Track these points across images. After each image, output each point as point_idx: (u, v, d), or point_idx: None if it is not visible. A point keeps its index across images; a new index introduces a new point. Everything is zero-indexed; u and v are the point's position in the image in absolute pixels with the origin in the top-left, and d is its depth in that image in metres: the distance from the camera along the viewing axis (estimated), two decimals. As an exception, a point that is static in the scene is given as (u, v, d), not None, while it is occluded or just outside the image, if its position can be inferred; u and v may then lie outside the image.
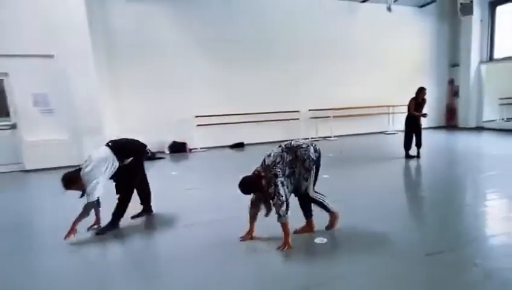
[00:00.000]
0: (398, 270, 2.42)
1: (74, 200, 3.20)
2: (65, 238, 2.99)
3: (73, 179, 2.96)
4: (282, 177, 2.66)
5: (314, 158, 2.80)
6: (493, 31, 10.53)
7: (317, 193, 2.96)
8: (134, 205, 3.55)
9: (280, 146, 2.86)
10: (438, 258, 2.53)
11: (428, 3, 10.49)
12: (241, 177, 2.74)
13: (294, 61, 9.28)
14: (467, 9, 10.12)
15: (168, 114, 8.20)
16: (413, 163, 6.14)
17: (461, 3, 10.15)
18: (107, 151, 3.11)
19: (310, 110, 9.39)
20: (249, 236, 2.94)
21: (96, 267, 2.79)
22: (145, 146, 3.52)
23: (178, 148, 8.14)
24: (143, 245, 3.12)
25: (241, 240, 2.92)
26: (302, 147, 2.79)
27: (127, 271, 2.69)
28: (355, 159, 6.74)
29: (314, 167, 2.81)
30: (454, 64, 11.30)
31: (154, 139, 7.95)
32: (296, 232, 2.96)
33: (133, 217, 3.52)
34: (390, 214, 3.56)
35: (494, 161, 6.14)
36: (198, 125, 8.27)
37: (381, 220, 3.36)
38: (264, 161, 2.79)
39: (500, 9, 10.39)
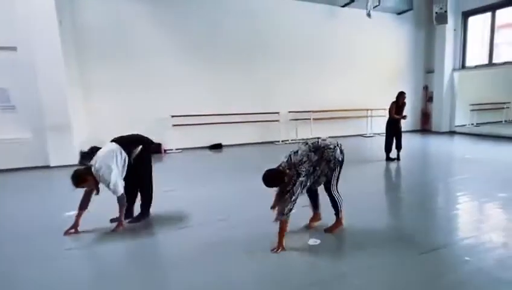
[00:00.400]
0: (395, 269, 2.49)
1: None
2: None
3: (83, 177, 2.93)
4: (304, 177, 2.68)
5: (340, 159, 2.87)
6: (465, 40, 10.94)
7: (338, 193, 3.03)
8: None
9: (307, 144, 2.87)
10: (432, 255, 2.64)
11: (405, 11, 10.75)
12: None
13: (274, 63, 9.18)
14: (442, 19, 10.45)
15: (142, 113, 7.83)
16: (393, 165, 6.23)
17: (436, 12, 10.47)
18: (112, 144, 3.14)
19: (289, 112, 9.31)
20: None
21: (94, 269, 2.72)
22: (151, 140, 3.51)
23: (153, 149, 7.76)
24: (136, 247, 3.00)
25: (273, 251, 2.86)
26: (330, 148, 2.82)
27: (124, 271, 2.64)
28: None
29: (338, 167, 2.88)
30: (429, 71, 11.65)
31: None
32: (309, 226, 3.17)
33: (130, 222, 3.44)
34: (376, 215, 3.59)
35: (469, 164, 6.36)
36: (174, 125, 7.96)
37: (367, 221, 3.37)
38: (290, 157, 2.78)
39: (471, 20, 10.81)
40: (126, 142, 3.23)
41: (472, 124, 11.74)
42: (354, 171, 5.80)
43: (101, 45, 7.39)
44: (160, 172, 6.05)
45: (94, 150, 3.21)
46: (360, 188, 4.59)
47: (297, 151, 2.80)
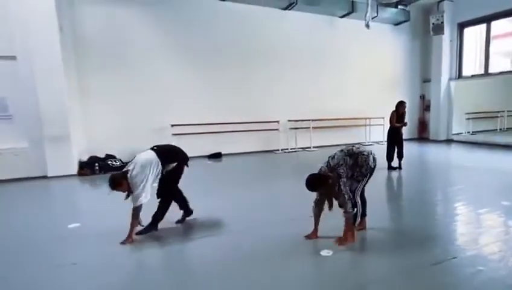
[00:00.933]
0: (407, 281, 2.46)
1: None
2: (123, 243, 3.09)
3: (118, 181, 3.02)
4: (345, 179, 2.83)
5: (372, 166, 2.98)
6: (461, 50, 11.13)
7: (360, 199, 3.10)
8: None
9: (342, 150, 3.00)
10: (443, 266, 2.61)
11: (402, 22, 10.91)
12: (217, 188, 2.79)
13: (275, 72, 9.23)
14: (438, 29, 10.62)
15: (142, 122, 7.79)
16: (395, 174, 6.22)
17: (433, 23, 10.65)
18: (153, 155, 3.17)
19: (289, 120, 9.32)
20: (314, 235, 3.10)
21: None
22: (187, 156, 3.54)
23: (152, 159, 7.70)
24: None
25: (306, 238, 3.09)
26: (364, 155, 2.94)
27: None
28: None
29: (369, 174, 2.99)
30: (425, 80, 11.79)
31: (126, 148, 7.53)
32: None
33: (177, 222, 3.60)
34: (382, 225, 3.55)
35: (469, 172, 6.44)
36: (174, 134, 7.90)
37: (374, 231, 3.34)
38: (329, 162, 2.94)
39: (467, 31, 11.02)
40: (165, 155, 3.27)
41: (468, 132, 11.87)
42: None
43: (101, 53, 7.36)
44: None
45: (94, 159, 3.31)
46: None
47: (334, 156, 2.95)
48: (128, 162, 3.36)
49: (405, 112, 6.51)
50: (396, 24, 10.97)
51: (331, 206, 2.94)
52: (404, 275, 2.53)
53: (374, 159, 3.01)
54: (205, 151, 8.49)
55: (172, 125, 7.90)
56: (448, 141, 11.08)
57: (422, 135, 11.92)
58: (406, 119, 6.58)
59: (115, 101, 7.55)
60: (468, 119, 11.93)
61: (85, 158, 7.06)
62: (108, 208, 4.06)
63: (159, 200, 3.41)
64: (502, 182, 5.44)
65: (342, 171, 2.83)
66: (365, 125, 10.60)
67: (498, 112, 12.94)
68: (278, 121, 9.08)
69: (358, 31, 9.87)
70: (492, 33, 10.36)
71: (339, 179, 2.81)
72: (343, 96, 10.29)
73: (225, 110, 8.61)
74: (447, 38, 10.87)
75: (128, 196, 3.13)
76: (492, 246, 3.02)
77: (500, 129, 13.02)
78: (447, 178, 6.19)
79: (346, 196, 2.80)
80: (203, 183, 5.79)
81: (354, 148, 3.00)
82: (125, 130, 7.62)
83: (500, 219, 3.77)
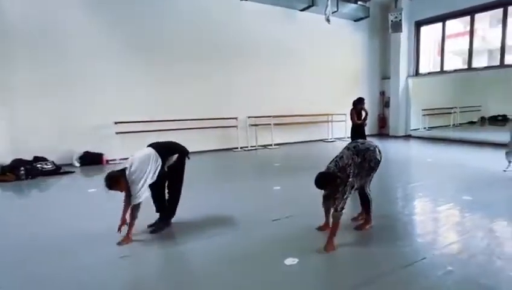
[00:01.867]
0: (382, 287, 2.23)
1: None
2: (119, 244, 2.92)
3: (116, 179, 2.88)
4: (352, 179, 2.83)
5: (379, 159, 3.03)
6: (418, 48, 11.34)
7: (370, 191, 3.20)
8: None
9: (349, 149, 3.01)
10: (415, 268, 2.43)
11: (362, 18, 10.87)
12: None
13: (231, 66, 8.65)
14: (397, 27, 10.70)
15: (79, 120, 6.84)
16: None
17: (391, 21, 10.70)
18: (151, 150, 3.06)
19: (249, 117, 8.80)
20: (326, 228, 3.10)
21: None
22: (186, 149, 3.36)
23: (91, 160, 6.79)
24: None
25: (317, 229, 3.15)
26: (370, 150, 2.99)
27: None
28: (302, 168, 6.28)
29: (376, 167, 3.03)
30: (385, 77, 11.90)
31: (60, 149, 6.60)
32: (357, 228, 3.18)
33: (149, 226, 3.28)
34: (347, 227, 3.20)
35: (430, 167, 6.40)
36: (118, 132, 7.05)
37: (339, 236, 2.95)
38: (338, 162, 2.92)
39: (424, 29, 11.24)
40: (163, 149, 3.13)
41: (424, 128, 12.21)
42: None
43: (26, 41, 6.32)
44: (103, 187, 5.18)
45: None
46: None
47: (342, 157, 2.95)
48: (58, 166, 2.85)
49: (363, 108, 6.30)
50: (356, 20, 10.91)
51: (334, 203, 2.93)
52: (375, 283, 2.25)
53: (380, 152, 3.05)
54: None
55: (116, 123, 7.03)
56: (407, 137, 11.26)
57: (382, 131, 12.04)
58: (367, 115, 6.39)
59: (45, 96, 6.52)
60: (425, 115, 12.28)
61: (7, 161, 6.01)
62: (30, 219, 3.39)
63: (167, 197, 3.32)
64: (459, 176, 5.42)
65: (351, 171, 2.83)
66: (327, 121, 10.40)
67: (451, 108, 13.48)
68: (236, 118, 8.52)
69: (318, 25, 9.63)
70: (446, 33, 10.65)
71: (347, 179, 2.80)
72: (304, 92, 9.99)
73: (178, 107, 7.88)
74: (405, 36, 11.01)
75: (128, 196, 2.98)
76: (459, 243, 2.86)
77: (453, 125, 13.60)
78: (408, 174, 6.07)
79: (344, 195, 2.79)
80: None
81: (359, 144, 3.04)
82: (58, 129, 6.64)
83: (462, 215, 3.62)
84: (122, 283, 2.36)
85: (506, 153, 5.49)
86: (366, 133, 6.63)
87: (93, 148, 6.92)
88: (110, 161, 7.06)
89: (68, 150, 6.73)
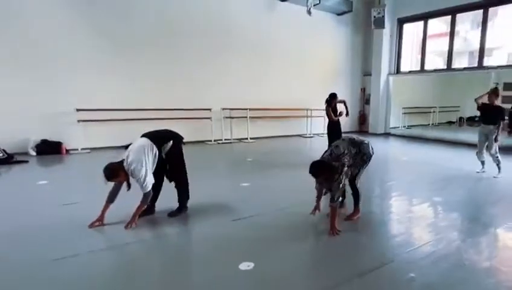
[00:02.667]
0: None
1: None
2: (127, 227, 2.96)
3: (115, 171, 2.89)
4: (347, 168, 2.93)
5: (371, 153, 3.16)
6: (400, 45, 11.26)
7: (359, 185, 3.28)
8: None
9: (344, 140, 3.16)
10: (373, 276, 2.25)
11: (345, 12, 10.66)
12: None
13: (205, 54, 8.23)
14: (379, 23, 10.57)
15: (36, 106, 6.31)
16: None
17: (374, 16, 10.56)
18: (143, 140, 3.08)
19: (223, 108, 8.47)
20: (316, 211, 3.23)
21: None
22: (181, 136, 3.39)
23: (49, 149, 6.31)
24: None
25: (311, 213, 3.22)
26: (365, 143, 3.13)
27: None
28: (275, 165, 6.05)
29: (368, 161, 3.16)
30: (366, 74, 11.79)
31: (13, 136, 6.09)
32: (346, 219, 3.24)
33: (170, 215, 3.29)
34: (317, 227, 3.07)
35: (406, 165, 6.35)
36: (80, 120, 6.59)
37: (300, 238, 2.88)
38: (333, 151, 3.02)
39: (406, 27, 11.16)
40: (157, 137, 3.15)
41: (404, 126, 12.23)
42: (291, 175, 5.22)
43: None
44: (58, 179, 4.78)
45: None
46: (291, 197, 3.96)
47: (338, 146, 3.05)
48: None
49: (341, 101, 6.16)
50: (339, 14, 10.69)
51: (327, 191, 3.09)
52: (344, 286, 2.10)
53: (372, 148, 3.17)
54: (122, 141, 7.23)
55: (78, 110, 6.57)
56: (386, 135, 11.24)
57: (362, 127, 11.97)
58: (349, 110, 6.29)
59: (-1, 76, 5.99)
60: (405, 113, 12.29)
61: None
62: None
63: (174, 184, 3.35)
64: (433, 176, 5.33)
65: (346, 160, 2.93)
66: (306, 116, 10.20)
67: (431, 107, 13.57)
68: (210, 109, 8.17)
69: (299, 17, 9.36)
70: (429, 32, 10.60)
71: (342, 168, 2.88)
72: (283, 85, 9.73)
73: (147, 96, 7.43)
74: (387, 33, 10.89)
75: (129, 187, 3.00)
76: (426, 247, 2.70)
77: (432, 124, 13.71)
78: (382, 173, 5.85)
79: (340, 185, 2.86)
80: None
81: (355, 138, 3.17)
82: (12, 114, 6.10)
83: (432, 216, 3.52)
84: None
85: (477, 154, 5.44)
86: (345, 130, 6.49)
87: (52, 137, 6.45)
88: (70, 150, 6.61)
89: (24, 138, 6.23)
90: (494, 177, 5.14)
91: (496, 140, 5.10)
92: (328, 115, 6.04)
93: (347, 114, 6.25)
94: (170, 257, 2.55)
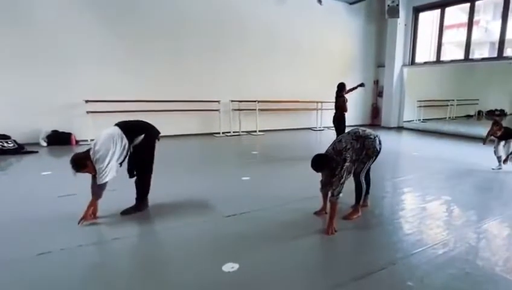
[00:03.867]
0: None
1: None
2: (79, 223, 2.83)
3: (82, 161, 2.77)
4: (349, 163, 2.85)
5: (378, 149, 3.03)
6: (416, 36, 10.83)
7: (364, 180, 3.15)
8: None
9: (349, 134, 3.05)
10: (368, 281, 2.12)
11: (358, 1, 10.29)
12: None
13: (215, 46, 8.15)
14: (393, 12, 10.15)
15: (47, 97, 6.42)
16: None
17: (388, 5, 10.14)
18: (114, 128, 2.97)
19: (232, 101, 8.39)
20: (323, 212, 3.16)
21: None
22: (157, 130, 3.25)
23: (60, 140, 6.42)
24: None
25: (314, 214, 3.17)
26: (370, 138, 2.99)
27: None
28: (280, 158, 5.95)
29: (374, 156, 3.04)
30: (380, 65, 11.43)
31: (24, 128, 6.24)
32: (345, 218, 3.09)
33: (123, 213, 3.10)
34: (311, 230, 2.89)
35: (417, 161, 6.10)
36: (89, 112, 6.66)
37: (295, 236, 2.74)
38: (335, 145, 2.96)
39: (422, 16, 10.69)
40: (129, 129, 3.01)
41: (419, 119, 11.83)
42: (297, 168, 5.13)
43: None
44: (62, 170, 4.73)
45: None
46: (293, 192, 3.87)
47: (340, 140, 2.99)
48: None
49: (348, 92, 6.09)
50: (352, 3, 10.33)
51: (330, 188, 2.96)
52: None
53: (380, 142, 3.05)
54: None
55: (86, 101, 6.64)
56: (399, 128, 10.93)
57: (375, 121, 11.67)
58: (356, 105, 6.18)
59: (11, 69, 6.09)
60: (420, 106, 11.88)
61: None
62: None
63: (134, 179, 3.15)
64: (446, 172, 5.12)
65: (348, 155, 2.85)
66: (316, 109, 10.01)
67: (448, 100, 13.06)
68: (218, 101, 8.11)
69: (310, 7, 9.12)
70: (446, 22, 10.13)
71: (343, 163, 2.81)
72: (293, 77, 9.55)
73: (156, 87, 7.45)
74: (402, 22, 10.47)
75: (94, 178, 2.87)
76: (432, 250, 2.54)
77: (449, 117, 13.21)
78: (389, 168, 5.66)
79: (341, 180, 2.78)
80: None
81: (360, 131, 3.04)
82: (24, 106, 6.23)
83: (441, 216, 3.34)
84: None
85: (494, 148, 5.20)
86: (357, 123, 6.36)
87: (62, 128, 6.55)
88: (80, 141, 6.70)
89: (35, 129, 6.36)
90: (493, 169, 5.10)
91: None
92: (343, 105, 5.88)
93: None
94: (151, 254, 2.47)
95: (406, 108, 11.19)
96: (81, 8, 6.56)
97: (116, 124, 3.03)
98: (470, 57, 9.56)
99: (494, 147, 5.21)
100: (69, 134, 6.55)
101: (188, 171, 4.87)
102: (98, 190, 2.86)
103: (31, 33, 6.18)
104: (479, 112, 14.33)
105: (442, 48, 10.34)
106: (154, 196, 3.31)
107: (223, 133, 8.32)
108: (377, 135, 3.06)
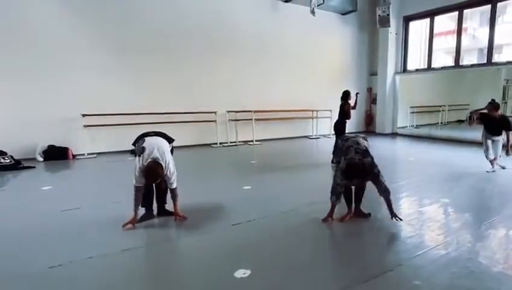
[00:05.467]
0: None
1: None
2: (176, 219, 3.15)
3: (160, 171, 2.86)
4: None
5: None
6: (407, 44, 11.10)
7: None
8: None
9: (358, 139, 3.20)
10: (376, 283, 2.14)
11: (350, 12, 10.56)
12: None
13: (211, 58, 8.26)
14: (384, 22, 10.43)
15: (43, 111, 6.40)
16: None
17: (379, 15, 10.43)
18: (161, 139, 3.13)
19: (228, 111, 8.45)
20: (346, 217, 3.20)
21: None
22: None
23: (56, 155, 6.38)
24: None
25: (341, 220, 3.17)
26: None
27: None
28: (279, 167, 5.97)
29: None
30: (372, 73, 11.65)
31: (21, 142, 6.20)
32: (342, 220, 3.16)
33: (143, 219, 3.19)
34: (316, 235, 2.92)
35: (413, 166, 6.18)
36: (86, 126, 6.66)
37: (301, 242, 2.76)
38: (358, 149, 3.01)
39: (412, 25, 11.00)
40: (166, 137, 3.24)
41: (412, 125, 12.02)
42: (294, 176, 5.16)
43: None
44: (62, 185, 4.84)
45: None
46: (295, 199, 3.89)
47: (358, 142, 3.11)
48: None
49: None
50: (344, 13, 10.60)
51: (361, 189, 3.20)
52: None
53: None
54: (126, 145, 7.25)
55: (83, 115, 6.63)
56: (394, 135, 11.06)
57: (369, 128, 11.82)
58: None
59: (5, 83, 6.07)
60: (413, 113, 12.09)
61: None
62: None
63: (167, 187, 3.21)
64: (442, 176, 5.20)
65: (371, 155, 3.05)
66: (312, 117, 10.12)
67: (439, 106, 13.31)
68: (215, 112, 8.17)
69: (303, 17, 9.31)
70: (435, 30, 10.42)
71: (373, 160, 2.99)
72: (288, 87, 9.68)
73: (152, 100, 7.47)
74: (393, 31, 10.75)
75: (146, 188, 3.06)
76: (431, 252, 2.57)
77: (442, 123, 13.44)
78: (391, 174, 5.67)
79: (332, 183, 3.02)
80: (118, 180, 4.78)
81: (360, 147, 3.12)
82: (20, 121, 6.20)
83: (440, 218, 3.39)
84: None
85: (484, 152, 5.31)
86: (353, 129, 6.46)
87: (59, 142, 6.52)
88: (77, 155, 6.67)
89: (31, 144, 6.32)
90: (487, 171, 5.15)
91: (507, 153, 4.95)
92: (348, 112, 5.97)
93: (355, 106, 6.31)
94: (164, 263, 2.49)
95: (400, 114, 11.37)
96: (77, 22, 6.62)
97: (151, 134, 3.20)
98: (460, 63, 9.81)
99: (485, 152, 5.32)
100: (66, 148, 6.51)
101: (188, 182, 4.78)
102: (176, 193, 3.12)
103: (26, 47, 6.21)
104: (470, 117, 14.57)
105: (433, 55, 10.60)
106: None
107: (220, 143, 8.34)
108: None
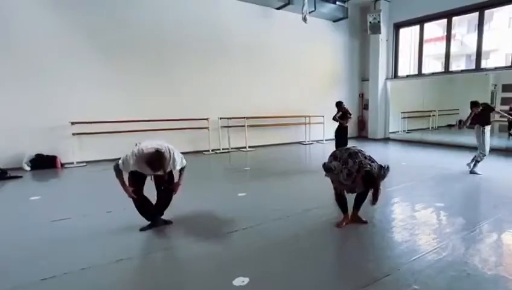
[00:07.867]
0: None
1: None
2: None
3: (165, 161, 2.82)
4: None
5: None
6: (397, 50, 11.27)
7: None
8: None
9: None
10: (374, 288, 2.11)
11: (341, 19, 10.70)
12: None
13: (202, 64, 8.23)
14: (375, 28, 10.58)
15: (30, 120, 6.24)
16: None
17: (370, 22, 10.58)
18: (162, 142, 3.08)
19: (220, 118, 8.39)
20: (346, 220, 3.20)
21: None
22: None
23: (44, 164, 6.22)
24: None
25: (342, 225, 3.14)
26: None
27: None
28: (273, 173, 5.93)
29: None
30: (364, 79, 11.77)
31: (8, 151, 6.04)
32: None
33: (142, 229, 3.10)
34: (313, 242, 2.87)
35: (405, 170, 6.05)
36: (75, 134, 6.52)
37: (298, 249, 2.73)
38: (364, 159, 2.99)
39: (403, 32, 11.18)
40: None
41: (403, 130, 12.14)
42: (288, 182, 5.10)
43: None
44: (51, 195, 4.65)
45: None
46: (290, 206, 3.83)
47: (364, 155, 3.10)
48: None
49: (347, 110, 6.62)
50: (335, 21, 10.74)
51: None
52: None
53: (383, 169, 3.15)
54: (118, 153, 7.14)
55: (72, 123, 6.50)
56: (386, 140, 11.14)
57: (361, 133, 11.89)
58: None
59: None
60: (404, 118, 12.22)
61: None
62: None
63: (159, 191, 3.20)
64: (434, 180, 5.21)
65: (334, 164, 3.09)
66: (305, 123, 10.13)
67: (430, 111, 13.50)
68: (207, 119, 8.10)
69: (295, 25, 9.37)
70: (425, 37, 10.61)
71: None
72: (280, 93, 9.70)
73: (143, 107, 7.36)
74: (383, 38, 10.91)
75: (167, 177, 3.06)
76: (428, 257, 2.55)
77: (432, 127, 13.62)
78: (385, 179, 5.76)
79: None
80: (109, 189, 4.64)
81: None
82: (6, 129, 6.03)
83: (435, 222, 3.38)
84: None
85: (482, 152, 5.41)
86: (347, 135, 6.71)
87: (47, 151, 6.36)
88: (66, 164, 6.51)
89: (18, 153, 6.14)
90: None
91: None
92: (343, 120, 6.46)
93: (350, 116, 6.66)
94: (160, 272, 2.43)
95: (391, 120, 11.49)
96: (65, 30, 6.52)
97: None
98: (449, 69, 9.97)
99: (482, 152, 5.42)
100: (54, 157, 6.35)
101: (183, 190, 4.75)
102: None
103: (12, 55, 6.08)
104: (460, 121, 14.83)
105: (423, 61, 10.77)
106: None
107: (212, 150, 8.26)
108: (372, 166, 3.05)
